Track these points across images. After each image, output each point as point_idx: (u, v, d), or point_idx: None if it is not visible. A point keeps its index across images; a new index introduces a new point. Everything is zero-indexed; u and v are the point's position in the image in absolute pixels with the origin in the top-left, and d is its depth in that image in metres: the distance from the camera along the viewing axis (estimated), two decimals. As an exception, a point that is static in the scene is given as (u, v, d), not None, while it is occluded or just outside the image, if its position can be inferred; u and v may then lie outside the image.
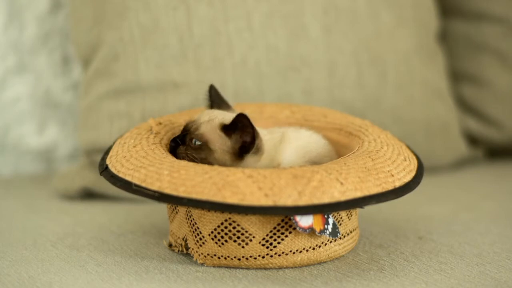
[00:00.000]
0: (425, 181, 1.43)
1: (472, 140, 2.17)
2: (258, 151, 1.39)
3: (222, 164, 1.37)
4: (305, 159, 1.40)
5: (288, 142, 1.42)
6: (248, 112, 1.43)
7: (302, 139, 1.44)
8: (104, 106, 1.84)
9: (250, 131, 1.37)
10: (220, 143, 1.38)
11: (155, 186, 1.28)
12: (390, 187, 1.31)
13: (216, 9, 1.84)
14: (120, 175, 1.33)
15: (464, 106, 2.17)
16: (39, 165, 2.15)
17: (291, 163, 1.39)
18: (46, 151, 2.14)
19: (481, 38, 2.14)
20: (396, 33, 1.99)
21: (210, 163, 1.37)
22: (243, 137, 1.38)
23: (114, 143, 1.45)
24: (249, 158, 1.39)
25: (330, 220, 1.31)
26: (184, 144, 1.39)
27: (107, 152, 1.43)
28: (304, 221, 1.28)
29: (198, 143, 1.38)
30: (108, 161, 1.39)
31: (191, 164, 1.31)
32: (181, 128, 1.50)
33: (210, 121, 1.40)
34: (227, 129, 1.38)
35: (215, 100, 1.47)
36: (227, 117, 1.41)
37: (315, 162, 1.40)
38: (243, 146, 1.38)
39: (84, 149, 1.87)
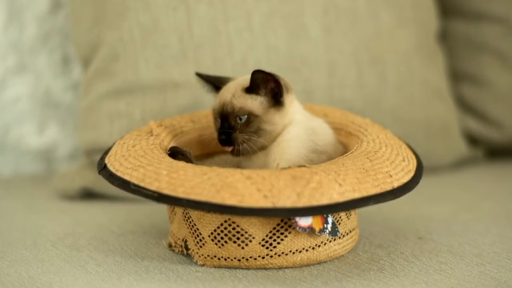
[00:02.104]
0: (424, 181, 1.43)
1: (472, 140, 2.17)
2: (288, 88, 1.42)
3: (276, 124, 1.40)
4: (310, 137, 1.42)
5: (305, 118, 1.45)
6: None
7: (315, 122, 1.47)
8: (104, 106, 1.84)
9: (270, 77, 1.38)
10: (258, 104, 1.40)
11: (153, 186, 1.28)
12: (388, 187, 1.31)
13: (216, 9, 1.84)
14: (119, 174, 1.33)
15: (464, 106, 2.16)
16: (39, 165, 2.15)
17: (296, 136, 1.41)
18: (46, 151, 2.14)
19: (481, 38, 2.14)
20: (396, 33, 1.98)
21: (266, 131, 1.39)
22: (268, 87, 1.40)
23: (114, 144, 1.45)
24: (287, 100, 1.41)
25: (329, 220, 1.31)
26: (234, 130, 1.40)
27: (106, 152, 1.43)
28: (304, 220, 1.28)
29: (244, 117, 1.39)
30: (106, 160, 1.39)
31: (189, 165, 1.31)
32: (183, 129, 1.51)
33: (235, 94, 1.41)
34: (250, 90, 1.40)
35: (212, 80, 1.47)
36: (241, 82, 1.42)
37: (318, 145, 1.42)
38: (275, 93, 1.40)
39: (84, 149, 1.87)
